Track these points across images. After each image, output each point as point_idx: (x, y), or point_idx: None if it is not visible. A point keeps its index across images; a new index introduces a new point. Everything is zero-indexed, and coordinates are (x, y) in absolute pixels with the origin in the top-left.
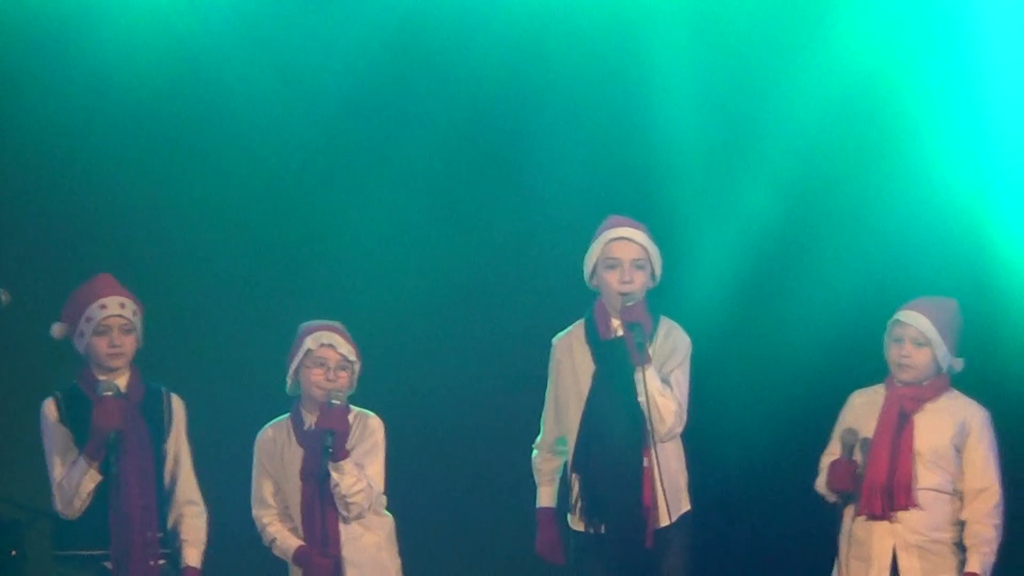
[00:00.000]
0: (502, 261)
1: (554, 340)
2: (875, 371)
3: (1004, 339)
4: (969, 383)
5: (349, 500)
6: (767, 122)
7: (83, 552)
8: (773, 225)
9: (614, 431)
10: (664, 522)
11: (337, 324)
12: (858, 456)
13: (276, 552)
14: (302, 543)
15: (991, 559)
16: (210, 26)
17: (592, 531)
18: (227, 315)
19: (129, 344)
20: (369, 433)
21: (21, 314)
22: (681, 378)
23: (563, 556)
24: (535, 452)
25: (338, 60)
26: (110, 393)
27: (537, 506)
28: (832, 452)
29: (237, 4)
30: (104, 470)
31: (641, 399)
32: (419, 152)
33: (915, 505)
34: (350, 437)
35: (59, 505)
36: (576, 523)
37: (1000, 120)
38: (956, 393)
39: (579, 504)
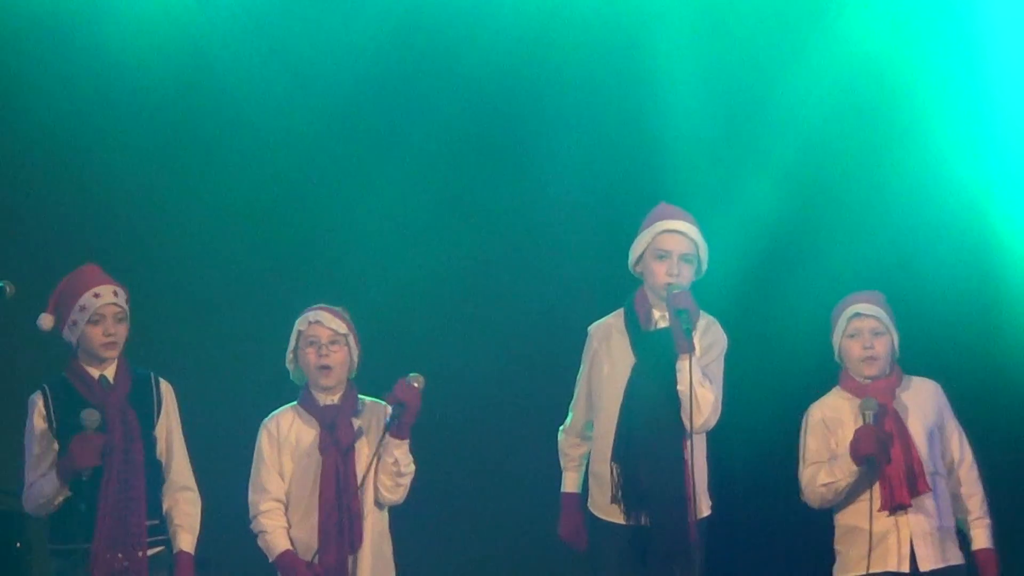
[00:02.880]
0: (507, 253)
1: (590, 327)
2: None
3: (1008, 334)
4: (975, 377)
5: (402, 480)
6: (773, 116)
7: (79, 546)
8: (779, 218)
9: (655, 423)
10: (702, 514)
11: (328, 305)
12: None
13: (260, 544)
14: (289, 547)
15: (991, 527)
16: (216, 20)
17: (633, 523)
18: (233, 306)
19: (122, 332)
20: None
21: (22, 307)
22: (717, 373)
23: (586, 542)
24: (562, 436)
25: (345, 53)
26: (93, 429)
27: (562, 491)
28: (814, 461)
29: None
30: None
31: (682, 388)
32: (426, 145)
33: (930, 489)
34: (371, 426)
35: (27, 507)
36: (607, 513)
37: (1007, 114)
38: (908, 376)
39: (619, 495)
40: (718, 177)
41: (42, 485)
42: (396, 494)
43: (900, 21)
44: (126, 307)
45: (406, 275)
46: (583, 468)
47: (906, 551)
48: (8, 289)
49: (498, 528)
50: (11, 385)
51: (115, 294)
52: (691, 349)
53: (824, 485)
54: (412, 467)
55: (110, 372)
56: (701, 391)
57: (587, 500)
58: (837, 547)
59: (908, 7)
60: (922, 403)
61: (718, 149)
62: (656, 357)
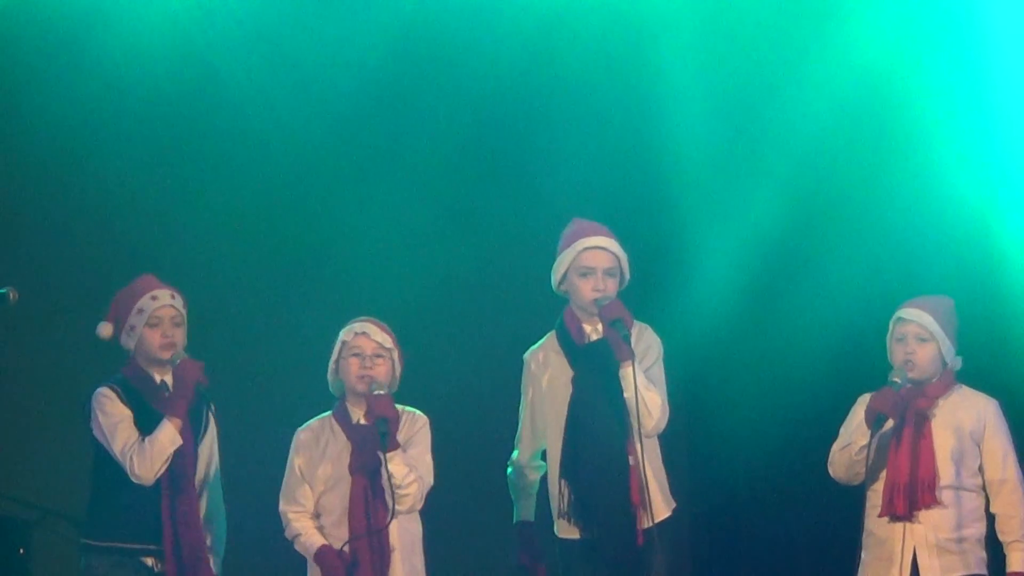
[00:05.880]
0: (509, 263)
1: (526, 355)
2: (882, 374)
3: (1011, 342)
4: (976, 384)
5: (403, 492)
6: (774, 125)
7: (120, 544)
8: (780, 227)
9: (599, 433)
10: (652, 520)
11: (375, 318)
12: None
13: (298, 547)
14: (325, 542)
15: None
16: (220, 27)
17: (587, 535)
18: (234, 316)
19: (179, 337)
20: (418, 428)
21: (29, 314)
22: (659, 376)
23: (543, 569)
24: (510, 470)
25: (348, 61)
26: (187, 357)
27: (516, 520)
28: (849, 440)
29: (247, 5)
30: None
31: (628, 395)
32: (427, 154)
33: (938, 504)
34: (399, 433)
35: (138, 468)
36: (565, 531)
37: (1010, 123)
38: (964, 388)
39: (570, 510)
40: (720, 188)
41: (155, 435)
42: (405, 504)
43: (902, 33)
44: (183, 312)
45: (411, 284)
46: (534, 496)
47: (908, 561)
48: (12, 295)
49: (487, 542)
50: (13, 391)
51: (172, 297)
52: (632, 356)
53: (840, 449)
54: (410, 478)
55: (170, 379)
56: (648, 395)
57: (544, 526)
58: (861, 551)
59: (910, 19)
60: (962, 416)
61: (720, 160)
62: (594, 369)
